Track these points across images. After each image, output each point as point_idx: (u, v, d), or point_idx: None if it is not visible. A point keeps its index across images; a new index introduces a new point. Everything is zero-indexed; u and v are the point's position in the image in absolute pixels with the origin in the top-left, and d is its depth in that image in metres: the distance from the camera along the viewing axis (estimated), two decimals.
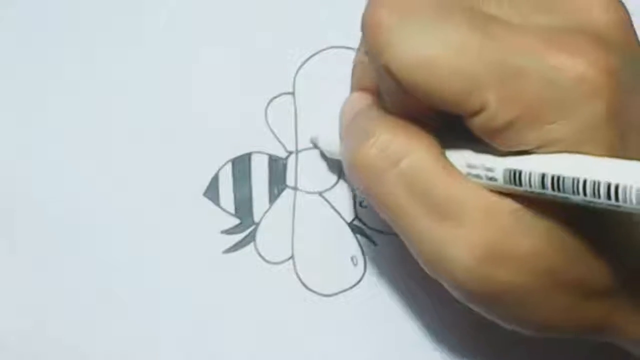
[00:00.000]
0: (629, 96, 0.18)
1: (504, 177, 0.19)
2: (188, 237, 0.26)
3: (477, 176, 0.20)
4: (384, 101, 0.22)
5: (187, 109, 0.27)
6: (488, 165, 0.19)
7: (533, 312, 0.20)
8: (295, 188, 0.27)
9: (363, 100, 0.23)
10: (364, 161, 0.20)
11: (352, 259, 0.27)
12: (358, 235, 0.27)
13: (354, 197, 0.27)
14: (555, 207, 0.19)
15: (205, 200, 0.27)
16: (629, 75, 0.18)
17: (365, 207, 0.27)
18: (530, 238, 0.19)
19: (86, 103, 0.27)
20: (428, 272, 0.21)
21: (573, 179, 0.17)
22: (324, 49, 0.27)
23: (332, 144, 0.25)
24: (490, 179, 0.19)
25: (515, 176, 0.19)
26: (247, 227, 0.27)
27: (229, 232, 0.27)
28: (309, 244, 0.27)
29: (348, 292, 0.27)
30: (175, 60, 0.27)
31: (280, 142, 0.27)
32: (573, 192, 0.17)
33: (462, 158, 0.20)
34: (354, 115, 0.22)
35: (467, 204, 0.19)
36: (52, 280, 0.26)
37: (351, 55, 0.27)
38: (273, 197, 0.27)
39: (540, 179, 0.18)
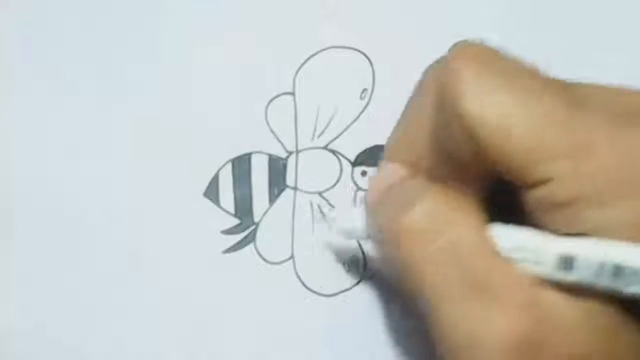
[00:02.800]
0: None
1: (556, 262, 0.18)
2: (188, 237, 0.26)
3: (523, 259, 0.19)
4: (428, 170, 0.21)
5: (187, 109, 0.27)
6: (537, 247, 0.18)
7: None
8: (295, 188, 0.27)
9: (398, 172, 0.22)
10: (409, 227, 0.19)
11: (352, 259, 0.27)
12: None
13: (354, 197, 0.27)
14: (602, 300, 0.18)
15: (205, 200, 0.27)
16: None
17: None
18: (569, 332, 0.18)
19: (86, 103, 0.27)
20: (448, 357, 0.20)
21: (636, 271, 0.17)
22: (324, 49, 0.27)
23: (353, 219, 0.24)
24: (538, 263, 0.18)
25: (568, 261, 0.18)
26: (247, 227, 0.27)
27: (229, 232, 0.27)
28: (309, 244, 0.27)
29: (348, 292, 0.27)
30: (175, 60, 0.27)
31: (280, 142, 0.27)
32: (635, 282, 0.17)
33: (508, 236, 0.19)
34: (389, 186, 0.21)
35: (507, 289, 0.18)
36: (52, 280, 0.26)
37: (351, 55, 0.27)
38: (273, 197, 0.27)
39: (597, 266, 0.17)
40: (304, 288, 0.26)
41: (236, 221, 0.27)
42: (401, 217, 0.20)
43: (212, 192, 0.27)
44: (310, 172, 0.27)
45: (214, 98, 0.27)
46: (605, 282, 0.17)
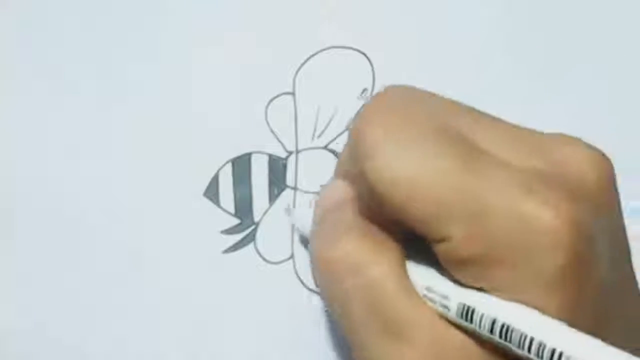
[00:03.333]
0: (591, 251, 0.18)
1: (457, 310, 0.19)
2: (188, 237, 0.26)
3: (433, 300, 0.20)
4: (360, 200, 0.22)
5: (187, 109, 0.27)
6: (445, 293, 0.19)
7: None
8: (295, 188, 0.27)
9: (342, 191, 0.23)
10: (327, 264, 0.21)
11: None
12: None
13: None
14: (505, 355, 0.19)
15: (205, 200, 0.27)
16: (598, 232, 0.18)
17: None
18: None
19: (86, 103, 0.27)
20: None
21: (522, 334, 0.17)
22: (324, 49, 0.27)
23: (305, 222, 0.25)
24: (445, 307, 0.19)
25: (467, 312, 0.19)
26: (247, 227, 0.27)
27: (229, 232, 0.27)
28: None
29: None
30: (175, 60, 0.27)
31: (280, 142, 0.27)
32: (519, 345, 0.17)
33: (422, 278, 0.20)
34: (330, 205, 0.23)
35: (419, 330, 0.19)
36: (52, 280, 0.26)
37: (351, 55, 0.27)
38: (273, 197, 0.27)
39: (490, 322, 0.18)
40: (304, 288, 0.26)
41: (236, 221, 0.27)
42: (326, 250, 0.21)
43: (212, 192, 0.27)
44: (310, 172, 0.27)
45: (214, 98, 0.27)
46: (496, 339, 0.18)
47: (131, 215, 0.27)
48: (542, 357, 0.17)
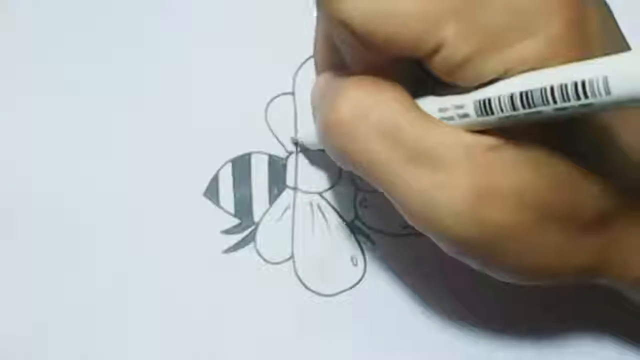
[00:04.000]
0: (586, 8, 0.18)
1: (476, 110, 0.19)
2: (188, 237, 0.26)
3: (450, 118, 0.19)
4: (347, 65, 0.21)
5: (187, 109, 0.27)
6: (457, 103, 0.19)
7: (526, 254, 0.20)
8: (295, 188, 0.27)
9: (326, 77, 0.23)
10: (336, 120, 0.20)
11: (352, 259, 0.27)
12: (358, 235, 0.27)
13: (354, 197, 0.27)
14: (535, 136, 0.19)
15: (205, 200, 0.27)
16: None
17: (366, 207, 0.27)
18: (514, 171, 0.19)
19: (86, 103, 0.27)
20: (418, 228, 0.20)
21: (541, 89, 0.17)
22: None
23: (311, 134, 0.25)
24: (463, 116, 0.19)
25: (486, 105, 0.18)
26: (247, 227, 0.27)
27: (229, 232, 0.27)
28: (309, 244, 0.27)
29: (348, 292, 0.26)
30: (175, 60, 0.27)
31: (280, 142, 0.27)
32: (543, 102, 0.17)
33: (432, 103, 0.20)
34: (322, 93, 0.22)
35: (445, 147, 0.19)
36: (52, 280, 0.26)
37: None
38: (273, 197, 0.27)
39: (509, 100, 0.18)
40: (304, 288, 0.26)
41: (236, 221, 0.27)
42: (330, 112, 0.20)
43: (212, 192, 0.27)
44: (310, 172, 0.27)
45: (214, 98, 0.27)
46: (523, 112, 0.18)
47: (131, 215, 0.27)
48: (568, 97, 0.17)
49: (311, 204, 0.27)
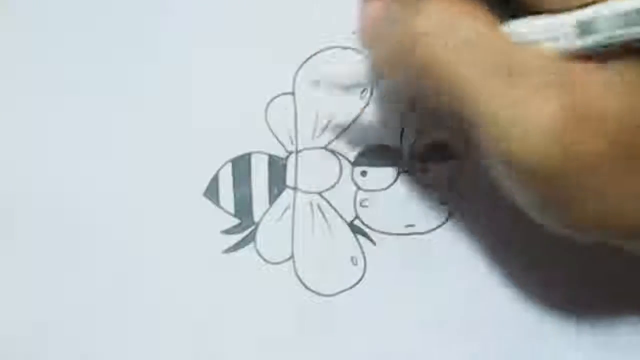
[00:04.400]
0: None
1: (575, 30, 0.17)
2: (188, 237, 0.26)
3: (541, 39, 0.18)
4: None
5: (187, 109, 0.27)
6: (552, 22, 0.18)
7: (607, 197, 0.18)
8: (295, 188, 0.27)
9: (382, 3, 0.21)
10: (422, 30, 0.19)
11: (352, 259, 0.27)
12: (358, 235, 0.27)
13: (354, 197, 0.27)
14: (630, 63, 0.17)
15: (205, 200, 0.27)
16: None
17: (366, 206, 0.27)
18: (615, 96, 0.17)
19: (86, 103, 0.27)
20: (493, 154, 0.19)
21: None
22: (324, 49, 0.27)
23: (341, 73, 0.23)
24: (555, 38, 0.18)
25: (587, 26, 0.17)
26: (247, 227, 0.27)
27: (229, 232, 0.27)
28: (309, 244, 0.27)
29: (348, 292, 0.26)
30: (175, 60, 0.27)
31: (280, 142, 0.27)
32: None
33: (521, 23, 0.19)
34: (380, 18, 0.21)
35: (537, 62, 0.18)
36: (52, 280, 0.26)
37: (351, 55, 0.27)
38: (273, 197, 0.27)
39: (614, 18, 0.17)
40: (304, 288, 0.26)
41: (236, 221, 0.27)
42: (411, 24, 0.19)
43: (212, 192, 0.27)
44: (310, 172, 0.27)
45: (214, 98, 0.27)
46: (633, 33, 0.17)
47: (131, 215, 0.27)
48: None
49: (311, 204, 0.27)
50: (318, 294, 0.26)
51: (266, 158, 0.27)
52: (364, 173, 0.27)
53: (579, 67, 0.18)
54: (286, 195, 0.27)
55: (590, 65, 0.18)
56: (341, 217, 0.27)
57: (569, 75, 0.18)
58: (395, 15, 0.20)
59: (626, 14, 0.17)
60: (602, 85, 0.17)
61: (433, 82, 0.19)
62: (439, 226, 0.27)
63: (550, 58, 0.18)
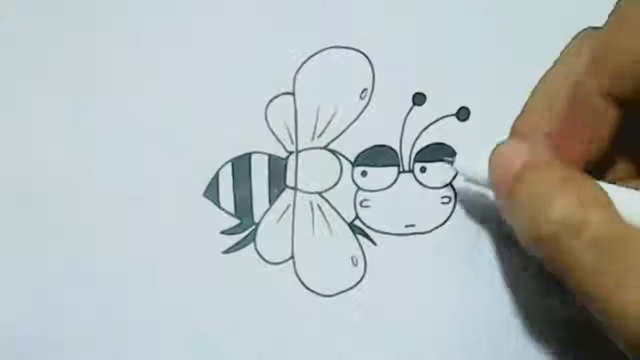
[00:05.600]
0: None
1: None
2: (188, 237, 0.26)
3: None
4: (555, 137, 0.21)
5: (187, 109, 0.27)
6: None
7: None
8: (295, 188, 0.27)
9: (521, 153, 0.22)
10: (547, 235, 0.20)
11: (352, 259, 0.27)
12: (358, 236, 0.27)
13: (354, 197, 0.27)
14: None
15: (205, 200, 0.27)
16: None
17: (366, 207, 0.27)
18: None
19: (86, 103, 0.27)
20: (633, 353, 0.19)
21: None
22: (324, 49, 0.27)
23: (477, 172, 0.24)
24: None
25: None
26: (247, 227, 0.27)
27: (229, 232, 0.27)
28: (309, 244, 0.27)
29: (348, 292, 0.27)
30: (175, 60, 0.27)
31: (280, 142, 0.27)
32: None
33: (624, 201, 0.19)
34: (520, 171, 0.21)
35: None
36: (50, 280, 0.26)
37: (351, 55, 0.27)
38: (273, 197, 0.27)
39: None
40: (304, 288, 0.26)
41: (236, 221, 0.27)
42: (539, 222, 0.20)
43: (212, 192, 0.27)
44: (310, 172, 0.27)
45: (213, 98, 0.27)
46: None
47: (131, 215, 0.27)
48: None
49: (311, 204, 0.27)
50: (318, 294, 0.26)
51: (266, 158, 0.27)
52: (364, 173, 0.27)
53: None
54: (286, 196, 0.27)
55: None
56: (341, 217, 0.27)
57: None
58: (528, 195, 0.21)
59: None
60: None
61: (556, 268, 0.20)
62: (439, 226, 0.27)
63: None
